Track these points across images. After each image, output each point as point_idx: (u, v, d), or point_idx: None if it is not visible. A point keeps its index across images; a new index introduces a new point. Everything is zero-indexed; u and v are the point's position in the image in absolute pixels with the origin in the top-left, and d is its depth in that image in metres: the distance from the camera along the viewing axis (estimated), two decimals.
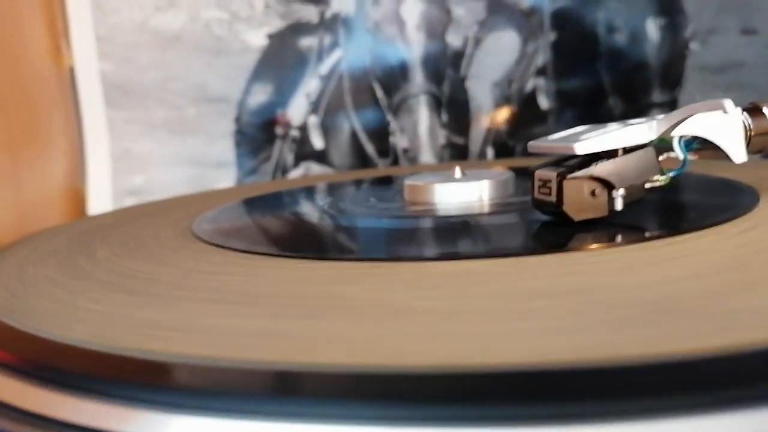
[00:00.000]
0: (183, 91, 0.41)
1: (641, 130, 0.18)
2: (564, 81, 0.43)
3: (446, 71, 0.43)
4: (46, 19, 0.39)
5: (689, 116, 0.18)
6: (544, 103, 0.43)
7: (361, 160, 0.43)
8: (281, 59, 0.42)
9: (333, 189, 0.31)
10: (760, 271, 0.14)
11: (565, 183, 0.18)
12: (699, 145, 0.20)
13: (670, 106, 0.43)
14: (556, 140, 0.19)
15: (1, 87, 0.35)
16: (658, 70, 0.42)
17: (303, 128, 0.42)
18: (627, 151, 0.18)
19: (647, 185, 0.19)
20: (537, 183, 0.19)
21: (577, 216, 0.18)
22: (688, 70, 0.42)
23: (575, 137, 0.18)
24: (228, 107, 0.41)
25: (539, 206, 0.19)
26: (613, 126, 0.19)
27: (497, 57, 0.43)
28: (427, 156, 0.44)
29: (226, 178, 0.42)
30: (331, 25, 0.42)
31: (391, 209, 0.24)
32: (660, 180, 0.19)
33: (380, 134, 0.43)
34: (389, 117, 0.43)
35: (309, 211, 0.25)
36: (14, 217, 0.36)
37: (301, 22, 0.42)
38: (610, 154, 0.18)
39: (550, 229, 0.19)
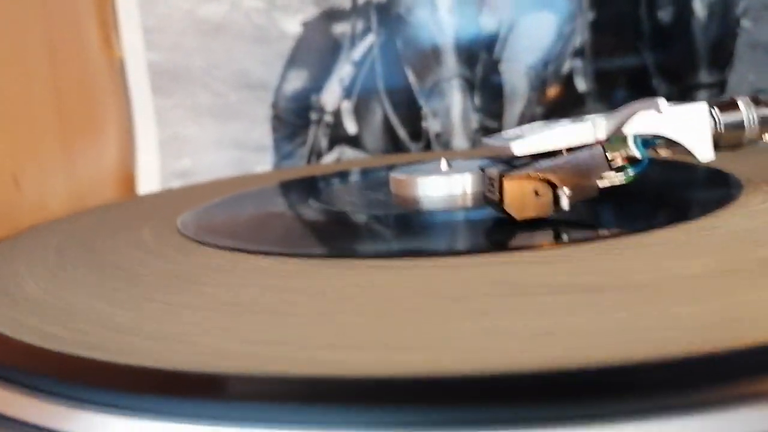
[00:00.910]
0: (225, 77, 0.43)
1: (584, 130, 0.17)
2: (603, 62, 0.41)
3: (479, 54, 0.43)
4: (98, 14, 0.42)
5: (630, 115, 0.17)
6: (581, 85, 0.42)
7: (394, 144, 0.44)
8: (315, 46, 0.43)
9: (326, 181, 0.32)
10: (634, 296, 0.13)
11: (506, 182, 0.18)
12: (661, 141, 0.19)
13: (719, 86, 0.40)
14: (505, 138, 0.19)
15: (56, 78, 0.38)
16: (705, 49, 0.40)
17: (337, 113, 0.43)
18: (572, 150, 0.18)
19: (602, 184, 0.18)
20: (486, 181, 0.19)
21: (519, 215, 0.18)
22: (739, 48, 0.40)
23: (520, 135, 0.18)
24: (266, 93, 0.43)
25: (489, 204, 0.19)
26: (560, 124, 0.18)
27: (532, 39, 0.42)
28: (459, 140, 0.43)
29: (265, 161, 0.44)
30: (363, 11, 0.43)
31: (369, 203, 0.24)
32: (618, 178, 0.19)
33: (413, 119, 0.43)
34: (421, 101, 0.43)
35: (288, 204, 0.25)
36: (67, 200, 0.39)
37: (334, 8, 0.43)
38: (555, 153, 0.18)
39: (493, 228, 0.19)
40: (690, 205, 0.21)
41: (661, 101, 0.16)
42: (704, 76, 0.40)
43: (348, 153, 0.44)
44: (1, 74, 0.35)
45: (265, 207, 0.26)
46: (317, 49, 0.43)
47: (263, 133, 0.43)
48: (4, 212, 0.36)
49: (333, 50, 0.43)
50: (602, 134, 0.18)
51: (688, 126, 0.18)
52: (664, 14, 0.40)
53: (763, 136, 0.19)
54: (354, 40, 0.43)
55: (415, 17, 0.43)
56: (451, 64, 0.43)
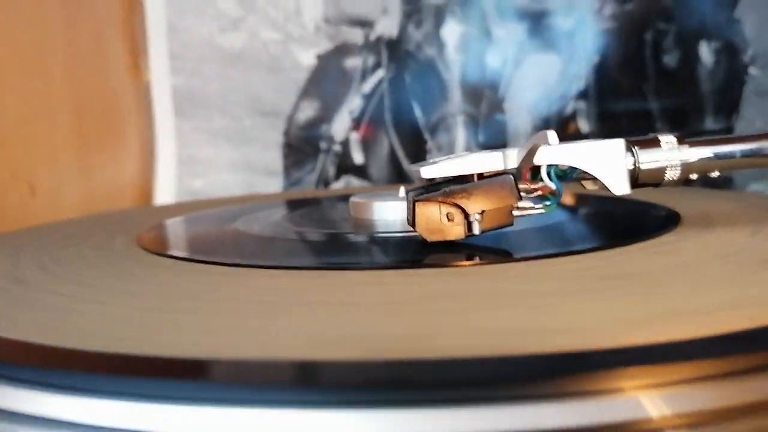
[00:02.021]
0: (241, 103, 0.45)
1: (494, 158, 0.18)
2: (607, 104, 0.41)
3: (484, 92, 0.43)
4: (126, 39, 0.44)
5: (531, 148, 0.18)
6: (584, 126, 0.42)
7: (399, 175, 0.45)
8: (328, 78, 0.44)
9: (301, 205, 0.33)
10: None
11: (418, 205, 0.18)
12: (579, 174, 0.19)
13: (725, 134, 0.40)
14: (428, 163, 0.19)
15: (77, 95, 0.41)
16: (712, 96, 0.40)
17: (345, 143, 0.45)
18: (485, 178, 0.18)
19: (517, 213, 0.19)
20: (408, 205, 0.19)
21: (429, 237, 0.19)
22: (746, 95, 0.39)
23: (436, 162, 0.19)
24: (279, 120, 0.45)
25: (411, 226, 0.20)
26: (476, 153, 0.19)
27: (536, 79, 0.42)
28: None
29: (275, 186, 0.45)
30: (374, 46, 0.44)
31: (322, 225, 0.25)
32: (534, 208, 0.19)
33: (418, 151, 0.44)
34: (426, 135, 0.44)
35: (251, 224, 0.27)
36: (82, 210, 0.41)
37: (347, 43, 0.44)
38: (470, 181, 0.18)
39: (405, 249, 0.20)
40: (601, 238, 0.21)
41: (551, 134, 0.17)
42: (710, 123, 0.40)
43: (354, 182, 0.45)
44: (22, 88, 0.38)
45: (221, 225, 0.27)
46: (329, 81, 0.45)
47: (274, 159, 0.45)
48: (19, 218, 0.38)
49: (344, 83, 0.44)
50: (512, 164, 0.18)
51: (603, 160, 0.18)
52: (670, 59, 0.40)
53: (689, 176, 0.19)
54: (365, 74, 0.44)
55: (423, 54, 0.44)
56: (456, 100, 0.44)
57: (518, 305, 0.14)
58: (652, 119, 0.41)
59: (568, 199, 0.26)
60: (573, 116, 0.42)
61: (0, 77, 0.38)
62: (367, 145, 0.44)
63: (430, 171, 0.18)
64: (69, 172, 0.41)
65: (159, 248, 0.22)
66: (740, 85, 0.39)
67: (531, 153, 0.18)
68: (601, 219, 0.24)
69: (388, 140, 0.44)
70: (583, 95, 0.42)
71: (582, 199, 0.26)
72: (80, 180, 0.42)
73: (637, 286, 0.15)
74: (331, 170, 0.45)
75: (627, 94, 0.41)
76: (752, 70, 0.39)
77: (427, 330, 0.13)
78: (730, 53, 0.39)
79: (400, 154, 0.45)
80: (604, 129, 0.42)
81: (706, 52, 0.39)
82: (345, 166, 0.45)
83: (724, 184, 0.39)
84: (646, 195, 0.25)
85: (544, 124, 0.42)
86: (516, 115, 0.43)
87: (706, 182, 0.39)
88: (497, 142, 0.43)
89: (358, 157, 0.45)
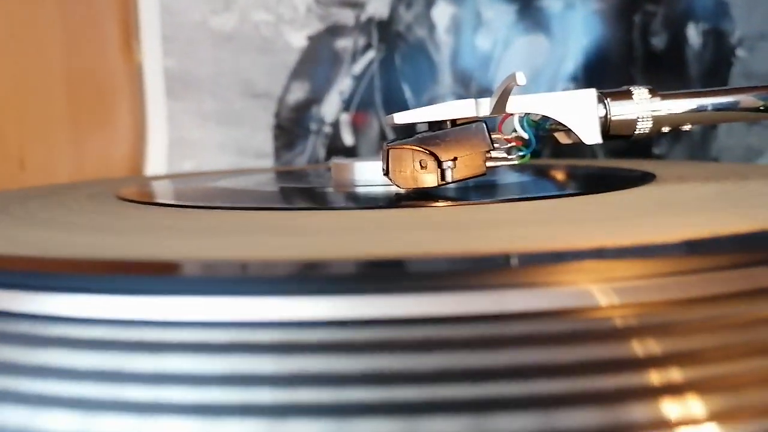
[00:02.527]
0: (232, 86, 0.45)
1: (465, 105, 0.18)
2: (596, 86, 0.41)
3: (474, 73, 0.43)
4: (121, 21, 0.45)
5: (502, 92, 0.18)
6: None
7: None
8: (318, 59, 0.45)
9: (295, 172, 0.33)
10: None
11: (391, 152, 0.18)
12: (551, 124, 0.19)
13: None
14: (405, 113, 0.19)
15: (71, 75, 0.41)
16: (699, 78, 0.40)
17: (335, 125, 0.45)
18: (457, 125, 0.18)
19: (489, 163, 0.19)
20: (383, 154, 0.20)
21: (403, 185, 0.19)
22: (733, 78, 0.39)
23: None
24: (270, 102, 0.45)
25: (387, 177, 0.20)
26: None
27: (526, 60, 0.42)
28: None
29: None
30: (365, 27, 0.44)
31: (303, 183, 0.26)
32: (507, 158, 0.19)
33: (408, 133, 0.44)
34: None
35: (241, 183, 0.27)
36: None
37: (338, 24, 0.44)
38: (443, 128, 0.19)
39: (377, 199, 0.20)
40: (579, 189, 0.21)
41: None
42: None
43: None
44: (16, 65, 0.38)
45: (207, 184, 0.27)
46: (320, 62, 0.45)
47: (265, 141, 0.45)
48: None
49: (335, 64, 0.45)
50: (485, 111, 0.18)
51: (575, 110, 0.18)
52: (658, 41, 0.40)
53: (661, 128, 0.19)
54: (355, 55, 0.44)
55: (413, 35, 0.44)
56: (446, 81, 0.44)
57: (500, 225, 0.15)
58: None
59: (556, 173, 0.27)
60: None
61: None
62: (357, 127, 0.45)
63: (401, 117, 0.18)
64: (60, 150, 0.41)
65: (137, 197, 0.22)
66: (727, 67, 0.39)
67: (503, 98, 0.18)
68: (582, 178, 0.24)
69: (379, 121, 0.45)
70: (572, 77, 0.42)
71: (563, 167, 0.27)
72: (71, 158, 0.42)
73: (605, 212, 0.16)
74: (322, 152, 0.45)
75: (615, 76, 0.41)
76: (739, 52, 0.39)
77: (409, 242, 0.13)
78: (718, 35, 0.39)
79: (390, 135, 0.45)
80: None
81: (693, 34, 0.40)
82: (335, 148, 0.45)
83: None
84: (624, 163, 0.25)
85: None
86: None
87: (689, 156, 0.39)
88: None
89: (348, 139, 0.45)
